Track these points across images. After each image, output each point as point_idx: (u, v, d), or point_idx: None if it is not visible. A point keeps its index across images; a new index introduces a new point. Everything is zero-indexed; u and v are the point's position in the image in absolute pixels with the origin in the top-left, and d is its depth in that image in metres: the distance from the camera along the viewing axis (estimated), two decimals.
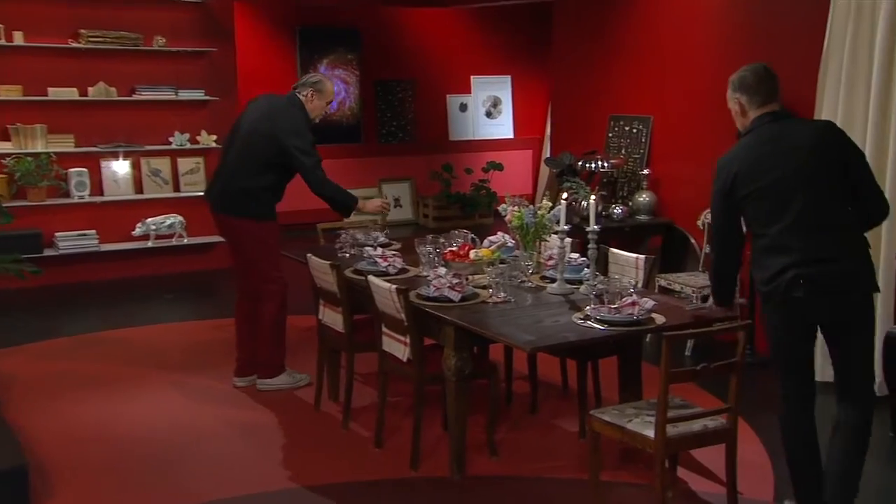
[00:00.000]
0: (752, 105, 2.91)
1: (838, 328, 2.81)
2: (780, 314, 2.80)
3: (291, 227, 6.61)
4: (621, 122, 6.17)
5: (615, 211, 5.61)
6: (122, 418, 4.13)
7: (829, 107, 4.36)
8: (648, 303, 3.22)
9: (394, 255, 4.00)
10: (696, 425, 2.92)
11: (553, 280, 3.70)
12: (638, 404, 3.14)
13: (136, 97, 6.88)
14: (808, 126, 2.92)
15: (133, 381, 4.62)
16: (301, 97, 4.38)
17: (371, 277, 3.60)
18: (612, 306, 3.23)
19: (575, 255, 3.89)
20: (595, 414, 3.03)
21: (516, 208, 3.97)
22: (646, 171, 5.78)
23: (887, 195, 4.04)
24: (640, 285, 3.73)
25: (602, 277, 3.64)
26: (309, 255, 4.06)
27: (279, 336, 4.43)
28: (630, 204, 5.77)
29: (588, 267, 3.64)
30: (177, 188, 7.12)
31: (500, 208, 4.08)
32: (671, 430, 2.83)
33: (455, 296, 3.47)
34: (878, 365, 4.08)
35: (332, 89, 4.49)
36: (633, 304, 3.20)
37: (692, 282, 5.02)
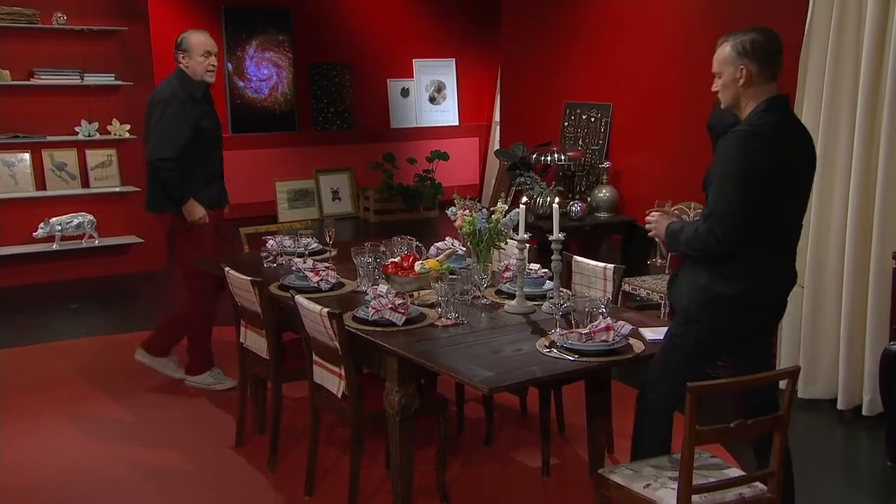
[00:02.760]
0: (761, 78, 2.48)
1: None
2: (729, 326, 2.56)
3: None
4: (578, 110, 5.71)
5: (573, 208, 5.17)
6: (4, 463, 3.49)
7: (812, 99, 3.94)
8: (625, 327, 2.76)
9: (327, 267, 3.47)
10: (730, 494, 2.35)
11: (510, 295, 3.22)
12: (658, 461, 2.52)
13: (34, 81, 6.19)
14: (804, 128, 2.61)
15: (23, 415, 3.97)
16: (180, 66, 4.08)
17: (299, 298, 3.05)
18: (583, 331, 2.76)
19: (535, 266, 3.41)
20: (605, 475, 2.47)
21: (467, 212, 3.46)
22: (606, 164, 5.34)
23: (877, 193, 3.71)
24: (610, 300, 3.27)
25: (566, 292, 3.18)
26: (227, 268, 3.48)
27: (199, 337, 4.24)
28: (589, 200, 5.33)
29: (551, 279, 3.18)
30: (86, 184, 6.46)
31: (448, 211, 3.57)
32: (697, 500, 2.28)
33: (398, 318, 2.96)
34: (873, 381, 3.71)
35: (200, 41, 4.06)
36: (608, 328, 2.73)
37: (659, 286, 4.58)
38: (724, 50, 2.52)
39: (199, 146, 4.05)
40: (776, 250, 2.53)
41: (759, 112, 2.49)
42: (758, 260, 2.48)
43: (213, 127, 4.15)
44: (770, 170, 2.39)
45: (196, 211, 4.07)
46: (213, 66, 4.01)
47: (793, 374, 2.24)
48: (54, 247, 6.24)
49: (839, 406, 3.92)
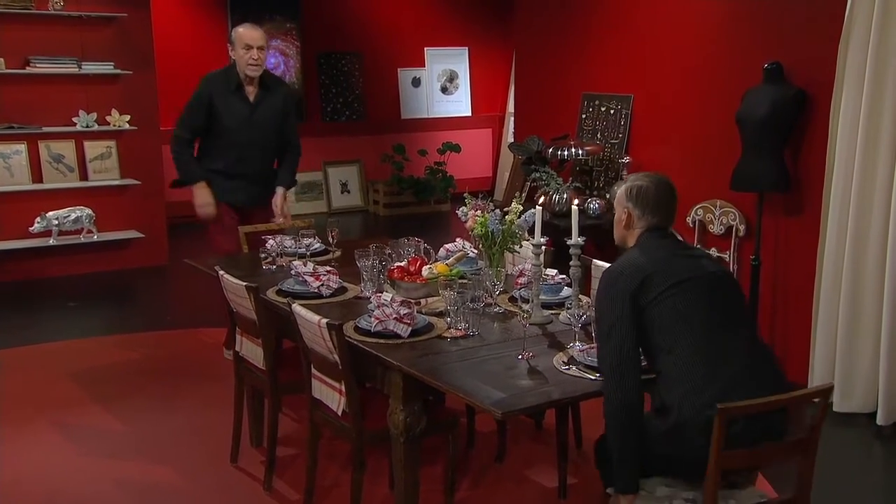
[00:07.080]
0: (641, 222, 2.50)
1: None
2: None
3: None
4: (596, 102, 5.44)
5: (591, 206, 4.93)
6: None
7: (851, 93, 3.65)
8: None
9: (328, 271, 3.23)
10: None
11: (525, 302, 2.96)
12: (672, 480, 2.28)
13: (30, 70, 5.98)
14: (703, 254, 2.61)
15: (7, 423, 3.76)
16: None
17: (296, 307, 2.82)
18: None
19: (552, 272, 3.17)
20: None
21: (479, 212, 3.22)
22: (626, 159, 5.08)
23: None
24: None
25: (586, 300, 2.93)
26: (220, 271, 3.25)
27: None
28: (608, 196, 5.05)
29: (569, 286, 2.95)
30: (84, 176, 6.26)
31: (459, 212, 3.34)
32: None
33: (403, 330, 2.72)
34: None
35: (239, 33, 4.12)
36: None
37: None
38: (619, 190, 2.56)
39: (215, 138, 4.07)
40: (699, 364, 2.19)
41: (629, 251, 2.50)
42: (683, 381, 2.18)
43: (239, 124, 4.09)
44: (634, 291, 2.31)
45: (197, 195, 4.09)
46: (254, 59, 4.01)
47: (825, 392, 2.02)
48: (51, 242, 6.05)
49: (878, 421, 3.67)
